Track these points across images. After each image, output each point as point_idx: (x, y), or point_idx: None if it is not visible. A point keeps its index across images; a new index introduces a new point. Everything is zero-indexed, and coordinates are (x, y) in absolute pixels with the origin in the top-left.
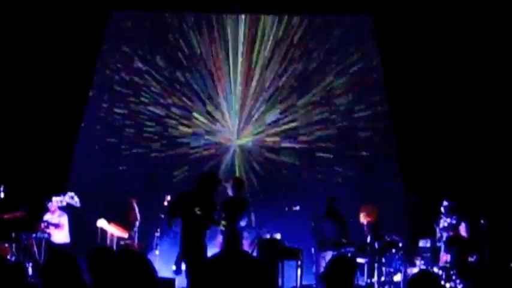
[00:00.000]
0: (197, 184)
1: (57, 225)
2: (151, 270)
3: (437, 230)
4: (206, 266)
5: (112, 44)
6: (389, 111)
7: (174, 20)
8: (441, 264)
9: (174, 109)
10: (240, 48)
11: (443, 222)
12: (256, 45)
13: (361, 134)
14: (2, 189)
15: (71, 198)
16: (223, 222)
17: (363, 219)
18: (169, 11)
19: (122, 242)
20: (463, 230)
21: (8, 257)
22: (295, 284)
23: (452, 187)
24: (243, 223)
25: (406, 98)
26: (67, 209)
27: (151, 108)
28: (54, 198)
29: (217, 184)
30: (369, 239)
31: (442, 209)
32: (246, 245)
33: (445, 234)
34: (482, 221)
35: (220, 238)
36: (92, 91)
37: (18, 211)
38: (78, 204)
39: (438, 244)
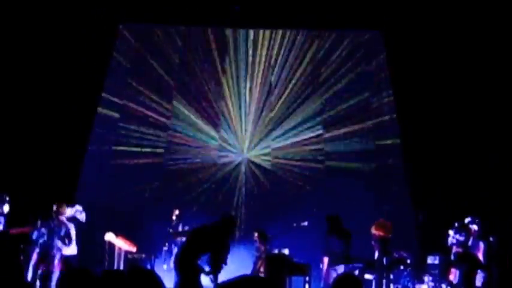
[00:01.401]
0: (216, 227)
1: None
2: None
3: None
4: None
5: (121, 57)
6: (398, 127)
7: (182, 35)
8: (450, 278)
9: (183, 121)
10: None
11: (452, 238)
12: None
13: (370, 150)
14: (7, 199)
15: (78, 212)
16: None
17: (374, 230)
18: (176, 24)
19: (129, 256)
20: (481, 249)
21: None
22: None
23: (461, 204)
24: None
25: (415, 113)
26: (74, 220)
27: (160, 121)
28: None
29: (235, 229)
30: (376, 254)
31: (459, 224)
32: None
33: (454, 249)
34: (491, 239)
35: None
36: (101, 106)
37: (26, 226)
38: (83, 220)
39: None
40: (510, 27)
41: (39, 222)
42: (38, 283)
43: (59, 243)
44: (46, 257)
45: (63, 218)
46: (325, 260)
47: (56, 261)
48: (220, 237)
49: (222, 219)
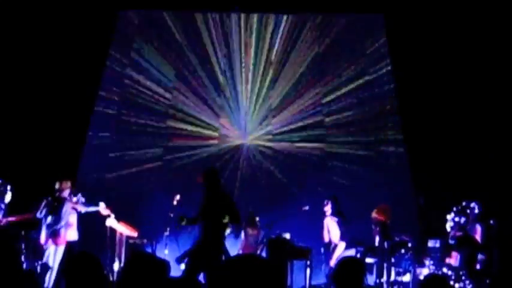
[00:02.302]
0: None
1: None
2: (165, 272)
3: (449, 228)
4: (222, 267)
5: (121, 44)
6: (399, 112)
7: (182, 20)
8: (451, 263)
9: (183, 108)
10: (248, 47)
11: (451, 222)
12: (266, 44)
13: (370, 135)
14: (9, 188)
15: (81, 203)
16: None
17: (374, 214)
18: (174, 10)
19: (131, 241)
20: (478, 232)
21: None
22: (304, 284)
23: (461, 187)
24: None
25: (415, 98)
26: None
27: (160, 107)
28: None
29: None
30: (377, 239)
31: (457, 208)
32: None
33: (451, 233)
34: (491, 222)
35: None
36: (102, 92)
37: (26, 213)
38: (82, 211)
39: (450, 242)
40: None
41: (44, 202)
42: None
43: (62, 221)
44: (53, 234)
45: (65, 195)
46: (343, 244)
47: (62, 235)
48: (214, 192)
49: (204, 176)
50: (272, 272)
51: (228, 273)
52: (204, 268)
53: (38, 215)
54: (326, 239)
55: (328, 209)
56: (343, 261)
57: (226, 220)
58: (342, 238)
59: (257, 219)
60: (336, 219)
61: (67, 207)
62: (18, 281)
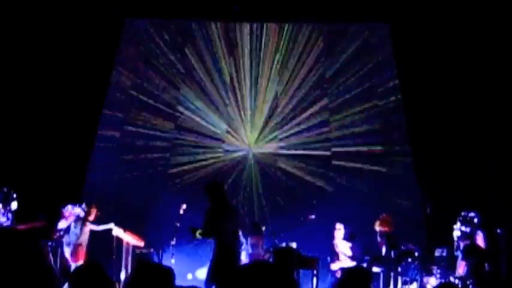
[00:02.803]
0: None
1: (67, 232)
2: (171, 281)
3: (455, 238)
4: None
5: (127, 52)
6: (406, 120)
7: (188, 28)
8: (458, 273)
9: (190, 116)
10: (255, 56)
11: (457, 230)
12: (273, 53)
13: (377, 143)
14: (14, 196)
15: (82, 210)
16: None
17: (378, 227)
18: (181, 18)
19: (137, 250)
20: (480, 239)
21: None
22: None
23: (468, 196)
24: None
25: (422, 106)
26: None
27: (166, 114)
28: (70, 206)
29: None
30: (384, 249)
31: (461, 218)
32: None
33: (461, 244)
34: (499, 231)
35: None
36: (107, 100)
37: (36, 221)
38: (96, 229)
39: (456, 253)
40: None
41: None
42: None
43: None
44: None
45: (90, 219)
46: (353, 263)
47: (80, 253)
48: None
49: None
50: (285, 278)
51: (240, 281)
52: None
53: (61, 226)
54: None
55: (340, 233)
56: (349, 270)
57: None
58: (353, 259)
59: (263, 228)
60: (349, 244)
61: (87, 229)
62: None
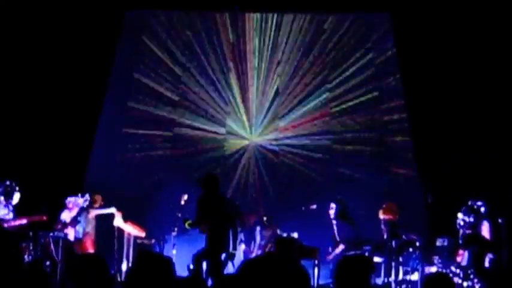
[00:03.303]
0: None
1: (73, 224)
2: (172, 272)
3: (458, 227)
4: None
5: (128, 44)
6: (407, 109)
7: (189, 18)
8: (457, 262)
9: (190, 108)
10: (255, 47)
11: (460, 220)
12: (271, 43)
13: (378, 132)
14: (17, 189)
15: (86, 201)
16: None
17: (382, 215)
18: (180, 9)
19: (138, 241)
20: (486, 229)
21: (25, 256)
22: (312, 283)
23: (470, 186)
24: None
25: (423, 96)
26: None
27: (167, 106)
28: (73, 198)
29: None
30: (385, 236)
31: (465, 207)
32: None
33: (461, 232)
34: (500, 220)
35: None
36: (109, 91)
37: (38, 215)
38: (99, 213)
39: (460, 242)
40: None
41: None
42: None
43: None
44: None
45: (96, 206)
46: (341, 246)
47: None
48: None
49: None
50: (297, 270)
51: (252, 273)
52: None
53: (64, 217)
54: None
55: (332, 212)
56: (347, 258)
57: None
58: (341, 241)
59: (265, 218)
60: (334, 222)
61: (92, 216)
62: (20, 281)
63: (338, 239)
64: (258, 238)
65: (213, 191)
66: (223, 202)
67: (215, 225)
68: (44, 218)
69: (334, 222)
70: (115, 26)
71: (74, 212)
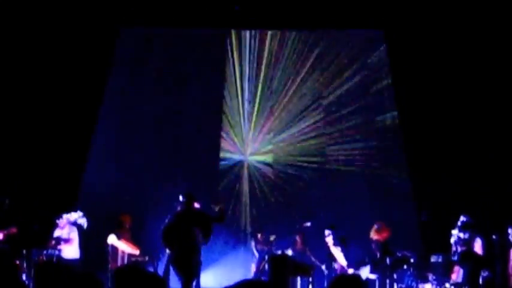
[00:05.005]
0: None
1: (66, 240)
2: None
3: (452, 243)
4: None
5: (123, 60)
6: (400, 127)
7: (187, 36)
8: (452, 279)
9: (186, 122)
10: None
11: (455, 236)
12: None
13: (372, 150)
14: (7, 203)
15: (80, 217)
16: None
17: (374, 235)
18: (177, 27)
19: (132, 259)
20: (478, 246)
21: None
22: None
23: (463, 202)
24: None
25: (417, 113)
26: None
27: (162, 122)
28: (64, 215)
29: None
30: (378, 256)
31: (459, 223)
32: None
33: (455, 249)
34: (494, 237)
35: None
36: (102, 108)
37: (9, 228)
38: (84, 226)
39: (453, 258)
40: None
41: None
42: None
43: None
44: None
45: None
46: (351, 270)
47: None
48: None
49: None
50: None
51: None
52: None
53: (57, 234)
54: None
55: (330, 239)
56: (340, 277)
57: None
58: (349, 265)
59: (259, 236)
60: (339, 248)
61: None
62: None
63: (347, 262)
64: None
65: (188, 206)
66: (194, 216)
67: (185, 238)
68: (14, 230)
69: (338, 248)
70: (109, 42)
71: (67, 229)
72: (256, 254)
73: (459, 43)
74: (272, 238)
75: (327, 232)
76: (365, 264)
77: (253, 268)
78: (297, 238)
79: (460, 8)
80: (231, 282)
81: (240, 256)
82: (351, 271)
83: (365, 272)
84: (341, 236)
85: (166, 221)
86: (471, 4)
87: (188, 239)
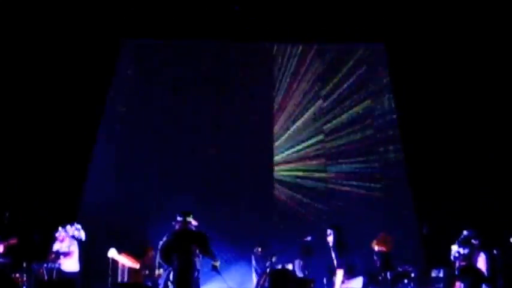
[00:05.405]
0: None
1: (66, 254)
2: None
3: (452, 259)
4: None
5: (125, 72)
6: (401, 140)
7: (180, 50)
8: None
9: (186, 132)
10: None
11: (454, 252)
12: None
13: (374, 164)
14: (7, 216)
15: (77, 230)
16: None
17: (376, 246)
18: (179, 38)
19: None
20: (482, 260)
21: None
22: None
23: (464, 217)
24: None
25: (418, 125)
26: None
27: (165, 133)
28: (61, 229)
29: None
30: (378, 267)
31: (461, 238)
32: None
33: (457, 264)
34: (495, 251)
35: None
36: (104, 119)
37: (9, 239)
38: (83, 238)
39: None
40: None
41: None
42: None
43: None
44: None
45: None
46: (340, 272)
47: None
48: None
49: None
50: None
51: None
52: None
53: (56, 247)
54: None
55: (330, 239)
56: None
57: None
58: (339, 266)
59: (259, 249)
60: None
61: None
62: None
63: (336, 265)
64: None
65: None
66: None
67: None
68: (14, 241)
69: (333, 249)
70: (110, 52)
71: (67, 242)
72: (253, 270)
73: (458, 54)
74: (274, 259)
75: (328, 231)
76: (359, 276)
77: (254, 281)
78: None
79: (460, 21)
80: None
81: (241, 271)
82: (340, 273)
83: (357, 283)
84: (340, 240)
85: (164, 238)
86: (469, 14)
87: (185, 256)
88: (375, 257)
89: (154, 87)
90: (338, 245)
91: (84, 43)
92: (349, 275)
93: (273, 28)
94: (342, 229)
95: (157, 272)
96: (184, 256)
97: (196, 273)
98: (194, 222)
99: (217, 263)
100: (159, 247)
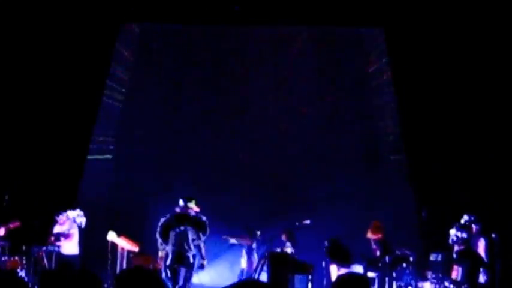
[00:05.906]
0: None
1: (67, 236)
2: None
3: (451, 242)
4: None
5: (123, 57)
6: (401, 126)
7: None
8: (453, 276)
9: (184, 123)
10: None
11: (452, 236)
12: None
13: (372, 149)
14: (6, 199)
15: (79, 216)
16: None
17: (371, 235)
18: (179, 23)
19: (131, 255)
20: (482, 245)
21: (19, 270)
22: None
23: (463, 201)
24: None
25: (417, 111)
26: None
27: (164, 119)
28: (64, 212)
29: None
30: (378, 253)
31: (459, 222)
32: None
33: (455, 247)
34: (493, 236)
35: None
36: (103, 104)
37: (11, 222)
38: (83, 225)
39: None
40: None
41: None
42: None
43: None
44: None
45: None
46: (333, 267)
47: None
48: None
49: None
50: None
51: None
52: None
53: (56, 230)
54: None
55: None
56: (345, 277)
57: None
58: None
59: (258, 232)
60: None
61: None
62: None
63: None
64: (255, 254)
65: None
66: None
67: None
68: (17, 223)
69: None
70: (110, 38)
71: (67, 225)
72: (255, 255)
73: (460, 44)
74: (258, 233)
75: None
76: (358, 263)
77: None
78: (283, 237)
79: (460, 7)
80: (227, 281)
81: (236, 255)
82: (333, 266)
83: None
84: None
85: (164, 218)
86: (470, 3)
87: (183, 236)
88: (374, 246)
89: (155, 73)
90: (330, 256)
91: (80, 32)
92: (344, 264)
93: (267, 13)
94: (336, 242)
95: (160, 253)
96: (179, 236)
97: (191, 256)
98: (196, 208)
99: (204, 262)
100: (159, 224)
